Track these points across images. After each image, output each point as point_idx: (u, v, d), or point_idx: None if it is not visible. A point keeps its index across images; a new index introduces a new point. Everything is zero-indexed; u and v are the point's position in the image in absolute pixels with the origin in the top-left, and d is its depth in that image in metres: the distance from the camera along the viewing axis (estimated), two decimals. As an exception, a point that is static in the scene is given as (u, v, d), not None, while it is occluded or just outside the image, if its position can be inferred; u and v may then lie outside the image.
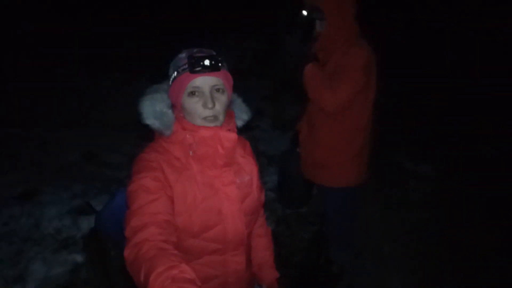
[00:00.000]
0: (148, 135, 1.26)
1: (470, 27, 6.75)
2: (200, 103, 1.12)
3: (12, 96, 4.94)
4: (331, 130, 2.01)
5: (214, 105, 1.12)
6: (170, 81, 1.17)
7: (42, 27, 6.63)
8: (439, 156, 4.16)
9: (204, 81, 1.12)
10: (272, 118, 4.65)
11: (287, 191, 2.50)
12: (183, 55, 1.15)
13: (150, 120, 1.16)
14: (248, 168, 1.31)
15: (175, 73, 1.14)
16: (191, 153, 1.17)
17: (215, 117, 1.14)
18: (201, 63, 1.10)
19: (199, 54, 1.12)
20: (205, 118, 1.13)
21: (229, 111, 1.24)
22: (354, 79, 1.85)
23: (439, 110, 5.06)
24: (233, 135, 1.17)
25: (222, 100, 1.15)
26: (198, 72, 1.10)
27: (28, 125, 4.44)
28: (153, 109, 1.16)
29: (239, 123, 1.28)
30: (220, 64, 1.13)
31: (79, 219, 2.95)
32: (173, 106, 1.20)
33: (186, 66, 1.11)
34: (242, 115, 1.30)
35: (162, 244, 0.96)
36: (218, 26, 6.62)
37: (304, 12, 1.95)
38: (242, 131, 1.33)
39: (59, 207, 3.06)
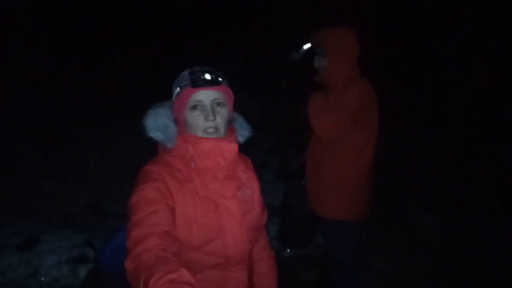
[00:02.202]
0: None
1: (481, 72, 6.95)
2: (202, 116, 1.17)
3: (19, 147, 5.07)
4: (333, 166, 2.04)
5: (215, 117, 1.16)
6: (173, 97, 1.23)
7: (50, 76, 6.95)
8: (446, 206, 4.11)
9: (205, 95, 1.17)
10: (276, 170, 4.70)
11: (289, 227, 2.46)
12: (185, 72, 1.21)
13: (153, 132, 1.20)
14: (249, 183, 1.33)
15: (178, 89, 1.20)
16: (193, 165, 1.19)
17: (216, 129, 1.17)
18: (202, 77, 1.16)
19: (200, 70, 1.19)
20: (205, 130, 1.17)
21: (230, 127, 1.28)
22: (347, 113, 1.92)
23: (446, 160, 5.07)
24: (234, 146, 1.20)
25: (222, 113, 1.19)
26: (200, 86, 1.16)
27: (35, 176, 4.50)
28: (156, 122, 1.21)
29: (241, 139, 1.31)
30: (220, 79, 1.19)
31: (78, 268, 2.89)
32: (176, 121, 1.24)
33: (188, 81, 1.17)
34: (244, 132, 1.33)
35: (162, 252, 0.97)
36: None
37: (307, 45, 2.05)
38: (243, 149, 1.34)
39: (58, 256, 3.00)
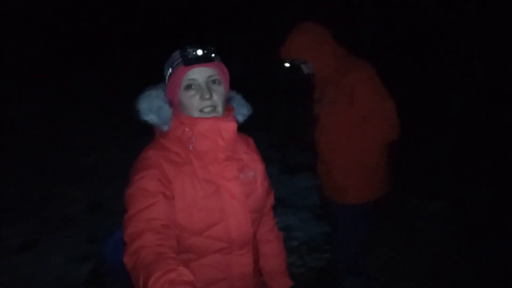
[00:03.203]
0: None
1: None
2: (197, 96, 1.11)
3: (19, 148, 5.04)
4: (342, 153, 2.00)
5: (211, 95, 1.10)
6: (166, 79, 1.16)
7: (50, 76, 6.90)
8: (447, 193, 4.07)
9: (198, 73, 1.11)
10: (279, 164, 4.67)
11: None
12: (176, 52, 1.15)
13: (147, 115, 1.14)
14: (252, 164, 1.26)
15: (170, 69, 1.14)
16: (191, 147, 1.13)
17: (213, 108, 1.11)
18: (194, 53, 1.10)
19: (191, 47, 1.12)
20: (202, 110, 1.11)
21: (228, 106, 1.21)
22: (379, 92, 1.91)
23: (446, 147, 5.04)
24: (233, 125, 1.14)
25: (219, 91, 1.13)
26: (192, 63, 1.10)
27: (35, 179, 4.47)
28: (150, 105, 1.15)
29: (240, 118, 1.24)
30: (213, 55, 1.13)
31: (81, 266, 2.85)
32: (170, 103, 1.18)
33: (180, 60, 1.11)
34: (243, 110, 1.26)
35: (160, 248, 0.93)
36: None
37: (287, 64, 2.04)
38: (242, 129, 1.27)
39: (60, 256, 2.97)
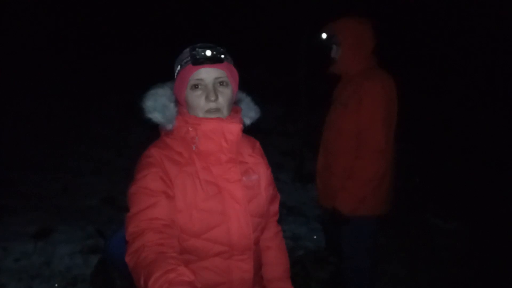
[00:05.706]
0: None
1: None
2: (203, 96, 1.11)
3: (40, 144, 5.15)
4: (348, 157, 1.97)
5: (217, 97, 1.10)
6: (175, 76, 1.17)
7: (70, 75, 7.05)
8: (467, 212, 3.98)
9: (206, 73, 1.10)
10: (292, 171, 4.64)
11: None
12: (186, 49, 1.15)
13: (152, 113, 1.15)
14: (256, 167, 1.24)
15: (179, 67, 1.14)
16: (194, 147, 1.13)
17: (217, 110, 1.11)
18: (203, 53, 1.09)
19: (201, 46, 1.12)
20: (207, 111, 1.11)
21: (235, 107, 1.21)
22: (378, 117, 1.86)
23: (467, 166, 4.93)
24: (237, 126, 1.13)
25: (226, 93, 1.12)
26: (200, 63, 1.09)
27: (53, 170, 4.57)
28: (155, 103, 1.15)
29: (247, 121, 1.24)
30: (223, 56, 1.12)
31: (91, 258, 2.89)
32: (177, 102, 1.18)
33: (189, 58, 1.11)
34: (250, 113, 1.25)
35: (161, 248, 0.94)
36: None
37: (324, 35, 2.04)
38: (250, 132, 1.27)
39: (72, 246, 3.02)
